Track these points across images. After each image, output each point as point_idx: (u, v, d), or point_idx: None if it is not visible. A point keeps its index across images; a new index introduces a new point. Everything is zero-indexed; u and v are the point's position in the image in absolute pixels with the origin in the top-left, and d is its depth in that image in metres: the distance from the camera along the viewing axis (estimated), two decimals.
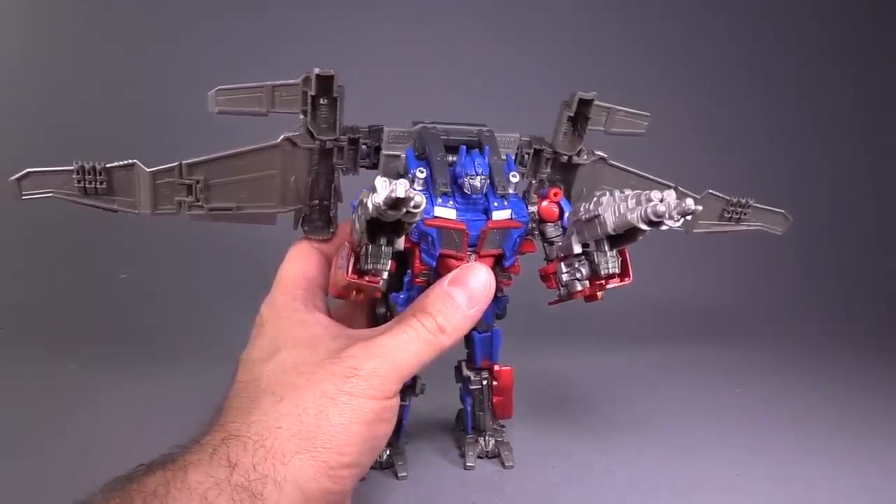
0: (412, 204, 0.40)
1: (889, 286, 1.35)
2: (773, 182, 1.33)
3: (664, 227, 0.43)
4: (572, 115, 0.58)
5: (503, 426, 0.69)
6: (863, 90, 1.50)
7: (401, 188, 0.39)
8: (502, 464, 0.67)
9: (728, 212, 0.69)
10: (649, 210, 0.42)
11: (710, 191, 0.67)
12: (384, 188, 0.39)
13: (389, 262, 0.48)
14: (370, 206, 0.40)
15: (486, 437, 0.68)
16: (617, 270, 0.51)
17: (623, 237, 0.48)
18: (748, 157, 1.40)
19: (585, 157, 0.61)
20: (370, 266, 0.47)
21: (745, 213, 0.69)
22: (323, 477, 0.44)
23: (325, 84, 0.52)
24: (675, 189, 0.66)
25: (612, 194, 0.47)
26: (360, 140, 0.57)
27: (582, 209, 0.50)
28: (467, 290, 0.51)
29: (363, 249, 0.47)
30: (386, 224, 0.43)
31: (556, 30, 1.36)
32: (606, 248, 0.50)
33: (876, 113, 1.50)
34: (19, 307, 0.98)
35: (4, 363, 0.83)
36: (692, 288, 1.26)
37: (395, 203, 0.39)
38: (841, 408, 0.86)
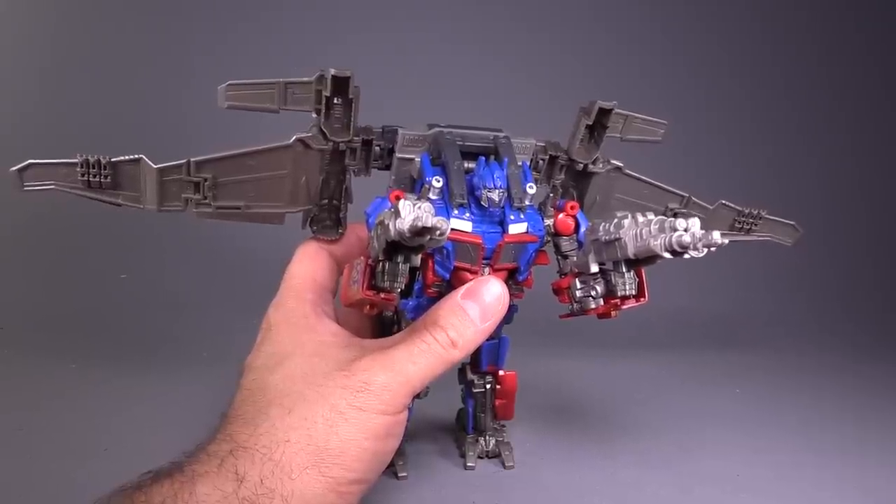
0: (438, 232, 0.38)
1: (887, 288, 1.36)
2: (775, 187, 1.33)
3: (686, 257, 0.42)
4: (591, 123, 0.57)
5: (503, 426, 0.69)
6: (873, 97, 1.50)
7: (427, 217, 0.37)
8: (503, 464, 0.67)
9: (739, 222, 0.69)
10: (674, 240, 0.41)
11: (723, 201, 0.67)
12: (409, 214, 0.38)
13: (406, 278, 0.47)
14: (392, 230, 0.39)
15: (487, 437, 0.68)
16: (634, 292, 0.51)
17: (641, 259, 0.48)
18: (759, 164, 1.40)
19: (601, 165, 0.60)
20: (386, 283, 0.46)
21: (755, 224, 0.69)
22: (330, 493, 0.44)
23: (341, 85, 0.51)
24: (689, 199, 0.65)
25: (633, 217, 0.46)
26: (374, 142, 0.56)
27: (601, 230, 0.49)
28: (481, 304, 0.50)
29: (379, 266, 0.46)
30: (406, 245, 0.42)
31: (570, 32, 1.35)
32: (624, 270, 0.50)
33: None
34: (19, 307, 0.96)
35: (4, 363, 0.82)
36: (692, 292, 1.26)
37: (421, 231, 0.38)
38: (841, 408, 0.87)
